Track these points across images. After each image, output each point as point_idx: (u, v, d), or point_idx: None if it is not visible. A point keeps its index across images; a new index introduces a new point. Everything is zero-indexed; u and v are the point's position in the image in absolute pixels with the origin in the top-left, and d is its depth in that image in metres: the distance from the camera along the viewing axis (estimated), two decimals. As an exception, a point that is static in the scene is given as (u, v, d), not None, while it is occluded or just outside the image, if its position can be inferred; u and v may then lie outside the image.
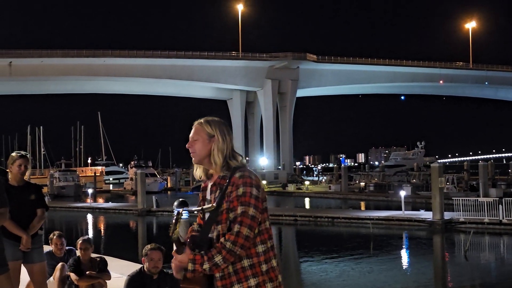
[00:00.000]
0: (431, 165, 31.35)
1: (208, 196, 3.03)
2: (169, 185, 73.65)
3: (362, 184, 54.31)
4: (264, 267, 2.87)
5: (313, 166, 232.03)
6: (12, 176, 5.72)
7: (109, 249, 20.23)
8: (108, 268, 7.02)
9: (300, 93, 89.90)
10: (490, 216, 25.67)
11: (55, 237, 7.34)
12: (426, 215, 28.37)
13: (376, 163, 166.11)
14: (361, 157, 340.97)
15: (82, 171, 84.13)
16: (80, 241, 6.91)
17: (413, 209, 34.04)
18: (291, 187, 59.94)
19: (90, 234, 29.17)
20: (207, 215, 2.95)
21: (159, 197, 41.79)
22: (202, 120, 3.05)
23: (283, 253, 22.01)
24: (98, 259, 7.01)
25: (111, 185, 76.04)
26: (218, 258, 2.75)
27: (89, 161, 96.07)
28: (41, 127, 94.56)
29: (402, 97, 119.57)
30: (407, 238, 25.26)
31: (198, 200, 3.15)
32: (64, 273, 6.83)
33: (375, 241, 23.66)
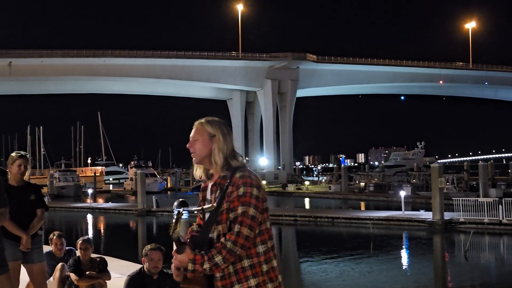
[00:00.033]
0: (431, 165, 31.35)
1: (208, 196, 3.03)
2: (169, 185, 73.65)
3: (362, 184, 54.32)
4: (264, 267, 2.87)
5: (313, 166, 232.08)
6: (12, 176, 5.72)
7: (109, 249, 20.23)
8: (108, 268, 7.02)
9: (300, 93, 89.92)
10: (490, 216, 25.67)
11: (55, 237, 7.34)
12: (426, 215, 28.36)
13: (376, 163, 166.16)
14: (361, 157, 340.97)
15: (82, 171, 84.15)
16: (80, 241, 6.91)
17: (413, 209, 34.04)
18: (291, 187, 59.94)
19: (90, 234, 29.17)
20: (207, 215, 2.95)
21: (159, 197, 41.79)
22: (203, 120, 3.05)
23: (283, 253, 22.01)
24: (98, 259, 7.00)
25: (111, 185, 76.05)
26: (218, 258, 2.75)
27: (89, 161, 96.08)
28: (41, 127, 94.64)
29: (402, 97, 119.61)
30: (407, 238, 25.26)
31: (198, 200, 3.15)
32: (64, 273, 6.82)
33: (375, 241, 23.66)
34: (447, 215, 26.94)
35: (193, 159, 3.05)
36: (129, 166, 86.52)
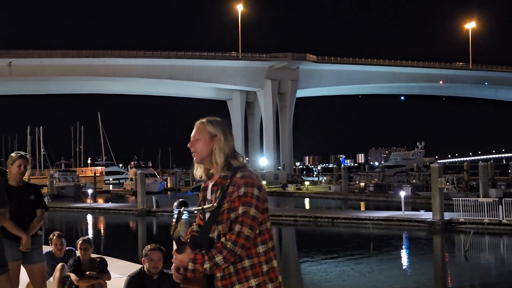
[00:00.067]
0: (431, 165, 31.34)
1: (208, 196, 3.03)
2: (169, 185, 73.65)
3: (362, 184, 54.31)
4: (264, 268, 2.87)
5: (313, 166, 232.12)
6: (12, 176, 5.72)
7: (109, 250, 20.22)
8: (108, 268, 7.02)
9: (300, 93, 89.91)
10: (490, 217, 25.66)
11: (55, 237, 7.33)
12: (426, 215, 28.37)
13: (376, 163, 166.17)
14: (361, 158, 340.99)
15: (82, 171, 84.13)
16: (80, 242, 6.91)
17: (413, 210, 34.05)
18: (291, 188, 59.95)
19: (90, 234, 29.17)
20: (207, 215, 2.95)
21: (159, 198, 41.79)
22: (204, 120, 3.05)
23: (283, 254, 22.01)
24: (98, 259, 7.00)
25: (111, 186, 76.07)
26: (218, 258, 2.75)
27: (89, 161, 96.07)
28: (41, 127, 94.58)
29: (402, 98, 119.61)
30: (407, 238, 25.26)
31: (198, 200, 3.15)
32: (64, 273, 6.82)
33: (375, 242, 23.65)
34: (447, 215, 26.93)
35: (194, 158, 3.05)
36: (129, 166, 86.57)
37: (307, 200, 49.44)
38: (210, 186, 3.04)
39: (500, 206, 25.46)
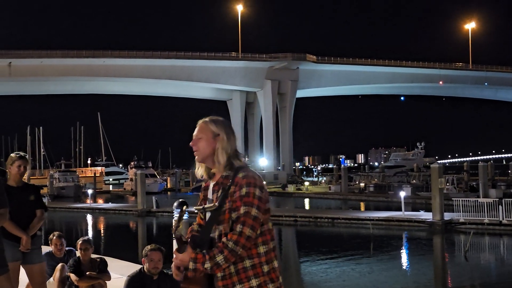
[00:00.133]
0: (431, 165, 31.34)
1: (209, 196, 3.03)
2: (169, 185, 73.67)
3: (362, 184, 54.29)
4: (265, 268, 2.86)
5: (313, 166, 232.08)
6: (11, 177, 5.71)
7: (109, 250, 20.22)
8: (108, 268, 7.02)
9: (300, 93, 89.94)
10: (490, 217, 25.65)
11: (54, 237, 7.33)
12: (426, 215, 28.36)
13: (376, 163, 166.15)
14: (361, 158, 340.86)
15: (82, 171, 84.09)
16: (80, 242, 6.90)
17: (413, 210, 34.05)
18: (291, 188, 59.95)
19: (90, 234, 29.16)
20: (208, 215, 2.95)
21: (159, 198, 41.78)
22: (207, 119, 3.05)
23: (283, 254, 22.01)
24: (98, 259, 7.00)
25: (111, 186, 76.09)
26: (219, 258, 2.75)
27: (89, 161, 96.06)
28: (41, 127, 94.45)
29: (402, 98, 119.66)
30: (407, 238, 25.25)
31: (198, 200, 3.14)
32: (64, 273, 6.82)
33: (375, 242, 23.64)
34: (447, 216, 26.93)
35: (196, 157, 3.04)
36: (129, 166, 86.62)
37: (307, 201, 49.44)
38: (211, 185, 3.03)
39: (500, 207, 25.45)
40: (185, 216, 7.23)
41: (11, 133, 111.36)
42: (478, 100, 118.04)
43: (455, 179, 45.76)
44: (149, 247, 5.84)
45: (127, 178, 75.27)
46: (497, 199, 27.26)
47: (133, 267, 8.93)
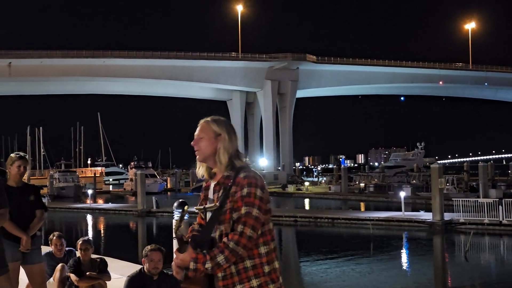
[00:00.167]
0: (431, 166, 31.33)
1: (210, 196, 3.02)
2: (169, 186, 73.66)
3: (362, 185, 54.28)
4: (266, 268, 2.86)
5: (312, 167, 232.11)
6: (11, 177, 5.71)
7: (109, 250, 20.22)
8: (108, 269, 7.01)
9: (300, 93, 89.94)
10: (490, 217, 25.64)
11: (54, 237, 7.33)
12: (426, 216, 28.36)
13: (376, 164, 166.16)
14: (361, 158, 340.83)
15: (82, 171, 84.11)
16: (80, 242, 6.90)
17: (413, 210, 34.04)
18: (291, 188, 59.95)
19: (90, 235, 29.16)
20: (208, 215, 2.95)
21: (159, 198, 41.78)
22: (209, 119, 3.04)
23: (283, 254, 22.00)
24: (98, 260, 7.00)
25: (111, 186, 76.07)
26: (220, 258, 2.74)
27: (89, 161, 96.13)
28: (41, 127, 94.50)
29: (402, 98, 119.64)
30: (407, 239, 25.24)
31: (199, 200, 3.14)
32: (64, 274, 6.82)
33: (375, 242, 23.64)
34: (447, 216, 26.92)
35: (197, 156, 3.04)
36: (129, 166, 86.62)
37: (307, 201, 49.43)
38: (212, 185, 3.03)
39: (500, 207, 25.44)
40: (185, 217, 7.22)
41: (11, 133, 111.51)
42: (478, 100, 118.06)
43: (455, 179, 45.76)
44: (149, 247, 5.84)
45: (127, 178, 75.27)
46: (497, 199, 27.25)
47: (133, 267, 8.92)
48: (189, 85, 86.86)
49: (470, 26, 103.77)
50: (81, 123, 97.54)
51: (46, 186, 60.39)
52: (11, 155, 5.84)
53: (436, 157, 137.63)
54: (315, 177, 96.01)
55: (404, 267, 19.39)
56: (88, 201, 46.00)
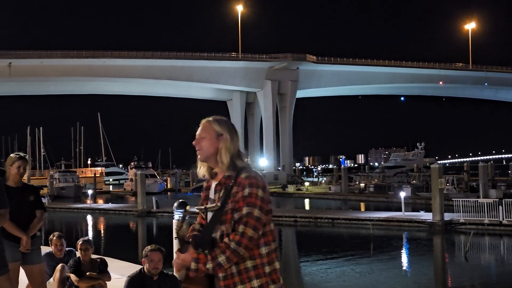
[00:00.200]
0: (431, 166, 31.32)
1: (211, 196, 3.02)
2: (169, 186, 73.66)
3: (362, 185, 54.27)
4: (267, 269, 2.86)
5: (313, 167, 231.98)
6: (11, 177, 5.70)
7: (109, 250, 20.22)
8: (108, 269, 7.01)
9: (300, 94, 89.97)
10: (490, 217, 25.63)
11: (54, 238, 7.33)
12: (426, 216, 28.34)
13: (376, 164, 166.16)
14: (361, 158, 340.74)
15: (82, 172, 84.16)
16: (80, 242, 6.90)
17: (413, 210, 34.03)
18: (291, 188, 59.94)
19: (90, 235, 29.16)
20: (209, 215, 2.95)
21: (159, 198, 41.78)
22: (210, 118, 3.04)
23: (283, 254, 21.99)
24: (98, 260, 7.00)
25: (111, 186, 76.04)
26: (221, 258, 2.74)
27: (89, 162, 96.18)
28: (41, 128, 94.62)
29: (402, 98, 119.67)
30: (407, 239, 25.24)
31: (200, 199, 3.13)
32: (64, 274, 6.82)
33: (375, 242, 23.64)
34: (447, 216, 26.92)
35: (198, 156, 3.03)
36: (129, 167, 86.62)
37: (307, 201, 49.42)
38: (213, 185, 3.02)
39: (500, 207, 25.43)
40: (186, 217, 7.22)
41: (11, 134, 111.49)
42: (478, 100, 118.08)
43: (455, 180, 45.75)
44: (149, 247, 5.84)
45: (127, 179, 75.25)
46: (497, 200, 27.24)
47: (133, 268, 8.92)
48: (189, 85, 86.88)
49: (470, 26, 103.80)
50: (81, 123, 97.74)
51: (46, 186, 60.40)
52: (11, 155, 5.84)
53: (436, 157, 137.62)
54: (315, 177, 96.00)
55: (404, 267, 19.39)
56: (88, 201, 45.99)
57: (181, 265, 2.82)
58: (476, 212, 26.29)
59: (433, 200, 27.17)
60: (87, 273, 6.69)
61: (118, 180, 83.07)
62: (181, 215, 2.87)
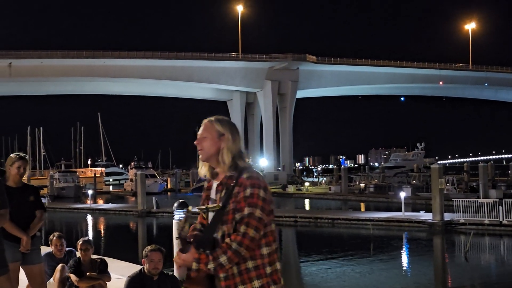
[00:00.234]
0: (431, 166, 31.31)
1: (212, 196, 3.02)
2: (169, 186, 73.66)
3: (362, 185, 54.26)
4: (268, 269, 2.86)
5: (313, 167, 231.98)
6: (11, 177, 5.70)
7: (109, 250, 20.22)
8: (108, 269, 7.01)
9: (300, 94, 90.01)
10: (490, 217, 25.63)
11: (55, 238, 7.33)
12: (426, 216, 28.33)
13: (376, 164, 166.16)
14: (361, 158, 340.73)
15: (82, 172, 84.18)
16: (80, 242, 6.90)
17: (413, 210, 34.02)
18: (291, 188, 59.93)
19: (90, 235, 29.16)
20: (210, 215, 2.94)
21: (159, 198, 41.77)
22: (212, 118, 3.04)
23: (283, 254, 21.99)
24: (99, 260, 7.00)
25: (111, 186, 76.04)
26: (223, 259, 2.74)
27: (89, 162, 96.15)
28: (41, 128, 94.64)
29: (402, 98, 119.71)
30: (407, 239, 25.24)
31: (200, 199, 3.13)
32: (64, 274, 6.82)
33: (375, 242, 23.64)
34: (447, 216, 26.91)
35: (200, 156, 3.03)
36: (129, 167, 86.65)
37: (307, 201, 49.42)
38: (214, 185, 3.02)
39: (500, 207, 25.43)
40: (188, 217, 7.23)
41: (11, 134, 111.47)
42: (478, 100, 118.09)
43: (455, 180, 45.76)
44: (149, 247, 5.84)
45: (127, 179, 75.25)
46: (497, 200, 27.24)
47: (133, 268, 8.92)
48: (189, 85, 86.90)
49: (470, 26, 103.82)
50: (81, 124, 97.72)
51: (46, 186, 60.37)
52: (11, 155, 5.84)
53: (436, 158, 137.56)
54: (315, 177, 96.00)
55: (404, 268, 19.39)
56: (88, 202, 45.98)
57: (182, 266, 2.82)
58: (476, 212, 26.28)
59: (433, 200, 27.17)
60: (87, 273, 6.69)
61: (118, 180, 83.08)
62: (182, 216, 2.88)
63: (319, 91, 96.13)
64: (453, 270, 19.16)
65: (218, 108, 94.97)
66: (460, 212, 26.68)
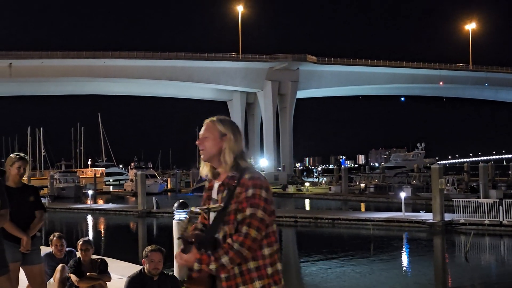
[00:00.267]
0: (431, 166, 31.31)
1: (214, 196, 3.01)
2: (169, 186, 73.66)
3: (362, 185, 54.25)
4: (269, 270, 2.86)
5: (313, 167, 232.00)
6: (11, 177, 5.69)
7: (109, 251, 20.22)
8: (109, 269, 7.01)
9: (300, 94, 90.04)
10: (490, 218, 25.62)
11: (55, 238, 7.33)
12: (426, 216, 28.33)
13: (376, 164, 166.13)
14: (361, 159, 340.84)
15: (82, 172, 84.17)
16: (80, 242, 6.90)
17: (413, 211, 34.01)
18: (291, 189, 59.92)
19: (90, 235, 29.15)
20: (212, 215, 2.94)
21: (159, 199, 41.76)
22: (214, 118, 3.03)
23: (283, 255, 22.00)
24: (99, 260, 7.00)
25: (111, 187, 76.07)
26: (225, 259, 2.74)
27: (89, 162, 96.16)
28: (41, 128, 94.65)
29: (402, 99, 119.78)
30: (407, 239, 25.24)
31: (202, 199, 3.12)
32: (65, 274, 6.81)
33: (375, 243, 23.63)
34: (448, 216, 26.90)
35: (202, 156, 3.03)
36: (129, 167, 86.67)
37: (307, 201, 49.42)
38: (216, 185, 3.02)
39: (500, 207, 25.42)
40: (184, 217, 7.23)
41: (12, 134, 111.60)
42: (479, 100, 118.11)
43: (455, 180, 45.75)
44: (149, 247, 5.84)
45: (128, 179, 75.24)
46: (498, 200, 27.23)
47: (134, 268, 8.92)
48: (189, 85, 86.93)
49: (470, 26, 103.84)
50: (82, 124, 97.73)
51: (46, 186, 60.34)
52: (11, 155, 5.83)
53: (437, 158, 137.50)
54: (316, 177, 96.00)
55: (405, 268, 19.38)
56: (89, 202, 45.97)
57: (183, 266, 2.82)
58: (476, 213, 26.27)
59: (433, 200, 27.16)
60: (88, 274, 6.69)
61: (119, 180, 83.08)
62: (184, 216, 2.88)
63: (319, 91, 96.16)
64: (453, 270, 19.16)
65: (218, 108, 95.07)
66: (460, 212, 26.68)
